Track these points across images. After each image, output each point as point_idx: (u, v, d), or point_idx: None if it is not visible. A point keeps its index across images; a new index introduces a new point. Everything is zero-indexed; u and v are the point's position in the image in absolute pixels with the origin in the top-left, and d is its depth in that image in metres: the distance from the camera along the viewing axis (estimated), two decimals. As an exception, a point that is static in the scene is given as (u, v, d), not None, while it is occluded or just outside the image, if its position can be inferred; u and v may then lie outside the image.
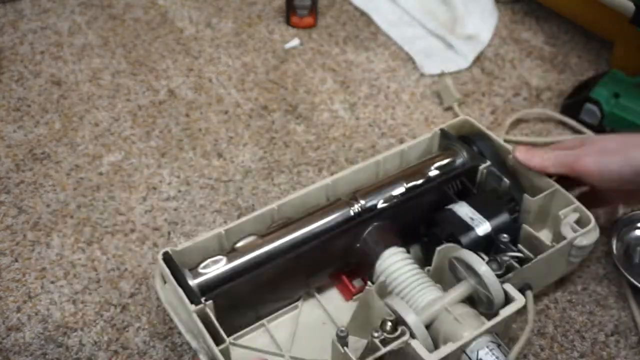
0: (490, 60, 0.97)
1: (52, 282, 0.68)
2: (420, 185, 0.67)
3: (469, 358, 0.54)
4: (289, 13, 1.01)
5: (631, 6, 0.82)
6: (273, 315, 0.63)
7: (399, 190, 0.67)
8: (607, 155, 0.61)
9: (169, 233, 0.73)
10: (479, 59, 0.97)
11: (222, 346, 0.54)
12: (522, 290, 0.58)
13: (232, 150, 0.82)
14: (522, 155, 0.66)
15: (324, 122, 0.86)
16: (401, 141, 0.84)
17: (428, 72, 0.94)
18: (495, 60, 0.97)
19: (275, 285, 0.62)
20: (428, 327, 0.55)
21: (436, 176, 0.68)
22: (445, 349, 0.53)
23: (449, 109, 0.89)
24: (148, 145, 0.83)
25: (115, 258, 0.70)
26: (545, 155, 0.65)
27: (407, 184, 0.67)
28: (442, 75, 0.90)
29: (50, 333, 0.64)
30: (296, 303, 0.64)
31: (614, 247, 0.69)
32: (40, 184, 0.78)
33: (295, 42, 0.99)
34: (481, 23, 1.02)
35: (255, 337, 0.62)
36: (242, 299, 0.60)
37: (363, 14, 1.06)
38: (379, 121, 0.87)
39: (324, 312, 0.64)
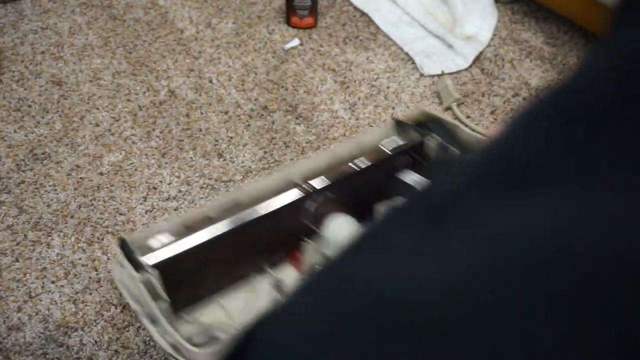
0: (490, 61, 0.97)
1: (53, 282, 0.68)
2: (369, 161, 0.70)
3: None
4: (289, 13, 1.01)
5: (630, 6, 0.82)
6: (226, 291, 0.64)
7: (347, 168, 0.69)
8: None
9: (169, 233, 0.73)
10: (478, 59, 0.97)
11: (163, 305, 0.55)
12: None
13: (232, 150, 0.83)
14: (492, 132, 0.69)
15: (324, 122, 0.87)
16: (401, 141, 0.84)
17: (428, 72, 0.94)
18: (495, 60, 0.97)
19: (225, 261, 0.63)
20: None
21: (384, 152, 0.71)
22: None
23: (449, 108, 0.89)
24: (148, 146, 0.83)
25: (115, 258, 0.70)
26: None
27: (355, 162, 0.70)
28: (441, 75, 0.90)
29: (50, 333, 0.64)
30: (249, 278, 0.65)
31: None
32: (41, 184, 0.78)
33: (295, 42, 0.99)
34: (481, 23, 1.02)
35: (207, 311, 0.63)
36: (192, 273, 0.61)
37: (363, 14, 1.06)
38: (379, 121, 0.87)
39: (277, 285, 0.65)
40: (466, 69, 0.96)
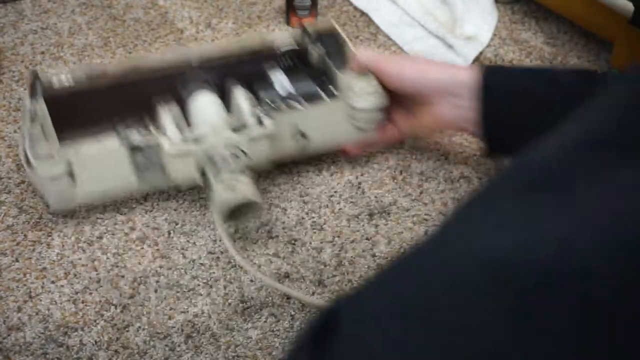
0: (490, 61, 0.97)
1: (53, 282, 0.68)
2: (253, 53, 0.82)
3: (211, 161, 0.67)
4: (289, 13, 1.01)
5: (631, 6, 0.82)
6: (105, 137, 0.73)
7: (231, 55, 0.81)
8: (406, 61, 0.75)
9: (169, 232, 0.73)
10: (478, 59, 0.97)
11: (39, 130, 0.70)
12: (296, 136, 0.73)
13: (232, 150, 0.83)
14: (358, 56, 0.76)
15: (324, 122, 0.87)
16: (400, 141, 0.84)
17: (428, 72, 0.94)
18: (495, 60, 0.98)
19: (108, 111, 0.74)
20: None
21: (271, 49, 0.82)
22: (186, 146, 0.67)
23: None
24: (148, 146, 0.83)
25: (115, 257, 0.70)
26: (360, 51, 0.76)
27: (243, 51, 0.82)
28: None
29: (50, 333, 0.64)
30: (124, 128, 0.72)
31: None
32: (41, 184, 0.78)
33: (295, 42, 0.99)
34: (481, 23, 1.02)
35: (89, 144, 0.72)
36: (77, 114, 0.75)
37: (363, 14, 1.06)
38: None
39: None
40: (466, 69, 0.96)
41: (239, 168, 0.67)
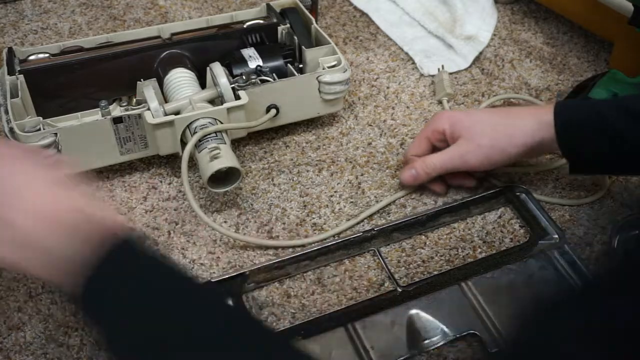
0: (490, 61, 0.98)
1: (53, 282, 0.68)
2: (224, 31, 0.85)
3: (190, 131, 0.72)
4: (289, 13, 1.01)
5: (631, 6, 0.82)
6: (86, 111, 0.79)
7: (206, 31, 0.86)
8: (486, 150, 0.71)
9: (169, 233, 0.73)
10: (478, 59, 0.98)
11: (18, 102, 0.73)
12: (269, 108, 0.77)
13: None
14: (407, 180, 0.75)
15: (324, 122, 0.87)
16: (401, 142, 0.84)
17: (428, 72, 0.95)
18: (495, 60, 0.98)
19: (84, 84, 0.79)
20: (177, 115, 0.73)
21: (240, 26, 0.86)
22: (168, 117, 0.72)
23: (440, 102, 0.90)
24: (148, 146, 0.83)
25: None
26: (429, 167, 0.74)
27: (214, 29, 0.85)
28: (440, 70, 0.91)
29: (51, 332, 0.64)
30: (105, 103, 0.76)
31: (614, 247, 0.69)
32: (41, 184, 0.78)
33: (295, 42, 0.99)
34: (481, 23, 1.02)
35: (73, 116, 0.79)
36: (54, 88, 0.78)
37: (363, 14, 1.06)
38: (379, 121, 0.87)
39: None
40: (466, 69, 0.96)
41: (218, 138, 0.71)
